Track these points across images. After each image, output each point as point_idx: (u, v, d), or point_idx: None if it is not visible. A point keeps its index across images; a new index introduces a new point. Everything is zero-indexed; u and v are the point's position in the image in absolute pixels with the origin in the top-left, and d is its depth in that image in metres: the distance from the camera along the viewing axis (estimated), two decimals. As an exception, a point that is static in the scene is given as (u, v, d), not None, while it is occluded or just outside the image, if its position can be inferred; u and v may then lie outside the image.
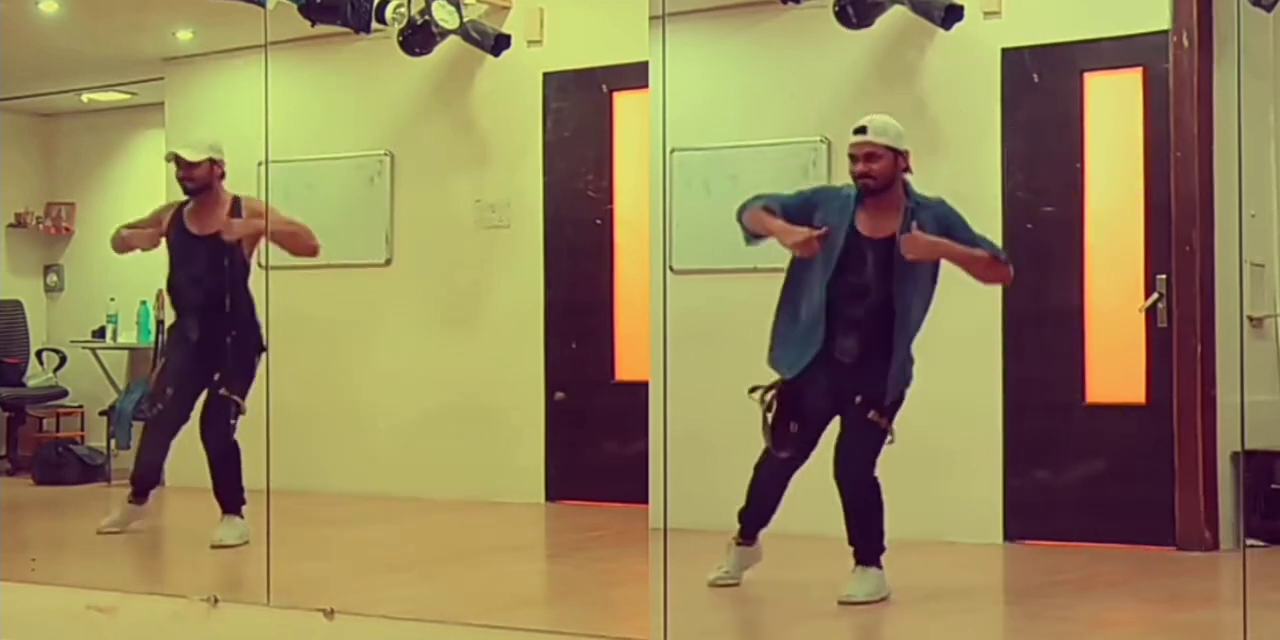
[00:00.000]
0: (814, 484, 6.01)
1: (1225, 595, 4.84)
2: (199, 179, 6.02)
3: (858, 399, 4.79)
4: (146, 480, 6.26)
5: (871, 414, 4.76)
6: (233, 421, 5.79)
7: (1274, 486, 5.53)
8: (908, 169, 4.88)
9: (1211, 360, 5.51)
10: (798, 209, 4.95)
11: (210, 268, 5.97)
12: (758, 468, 4.97)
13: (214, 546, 5.79)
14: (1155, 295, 5.63)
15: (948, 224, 4.81)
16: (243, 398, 5.75)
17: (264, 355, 5.75)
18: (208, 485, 5.89)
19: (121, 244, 6.34)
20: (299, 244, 5.93)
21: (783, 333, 4.93)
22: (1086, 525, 5.58)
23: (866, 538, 4.78)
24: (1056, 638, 4.53)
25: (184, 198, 6.07)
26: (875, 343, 4.79)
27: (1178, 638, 4.36)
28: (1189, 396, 5.55)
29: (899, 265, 4.75)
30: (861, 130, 4.88)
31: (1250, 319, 5.62)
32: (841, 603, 4.65)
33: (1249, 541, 5.32)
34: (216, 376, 5.84)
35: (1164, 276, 5.62)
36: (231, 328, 5.86)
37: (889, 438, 4.76)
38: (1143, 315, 5.65)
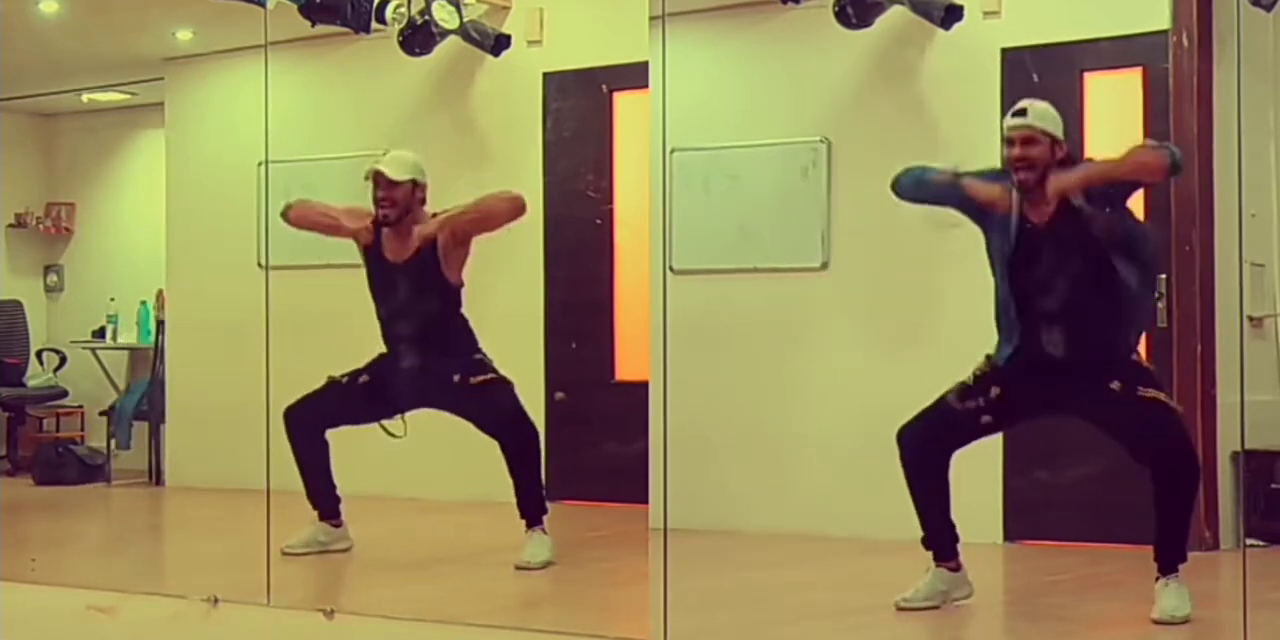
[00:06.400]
0: (816, 484, 6.02)
1: (1225, 595, 4.83)
2: (400, 202, 5.37)
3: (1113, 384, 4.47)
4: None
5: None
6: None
7: (1274, 486, 5.53)
8: (1066, 160, 4.56)
9: (1211, 360, 5.51)
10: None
11: (413, 296, 5.45)
12: None
13: (518, 567, 5.27)
14: (1155, 295, 5.63)
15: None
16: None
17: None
18: (208, 485, 5.84)
19: (299, 218, 5.61)
20: (498, 216, 5.38)
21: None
22: (1086, 525, 5.58)
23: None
24: (1056, 637, 4.53)
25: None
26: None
27: (1178, 638, 4.35)
28: (1189, 396, 5.54)
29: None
30: (1022, 113, 4.56)
31: (1250, 319, 5.62)
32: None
33: (1249, 541, 5.32)
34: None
35: (1164, 276, 5.61)
36: (453, 365, 5.35)
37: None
38: (1143, 315, 5.65)
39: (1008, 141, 4.59)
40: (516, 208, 5.42)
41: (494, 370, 5.39)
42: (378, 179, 5.38)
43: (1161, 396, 4.48)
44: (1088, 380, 4.49)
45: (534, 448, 5.42)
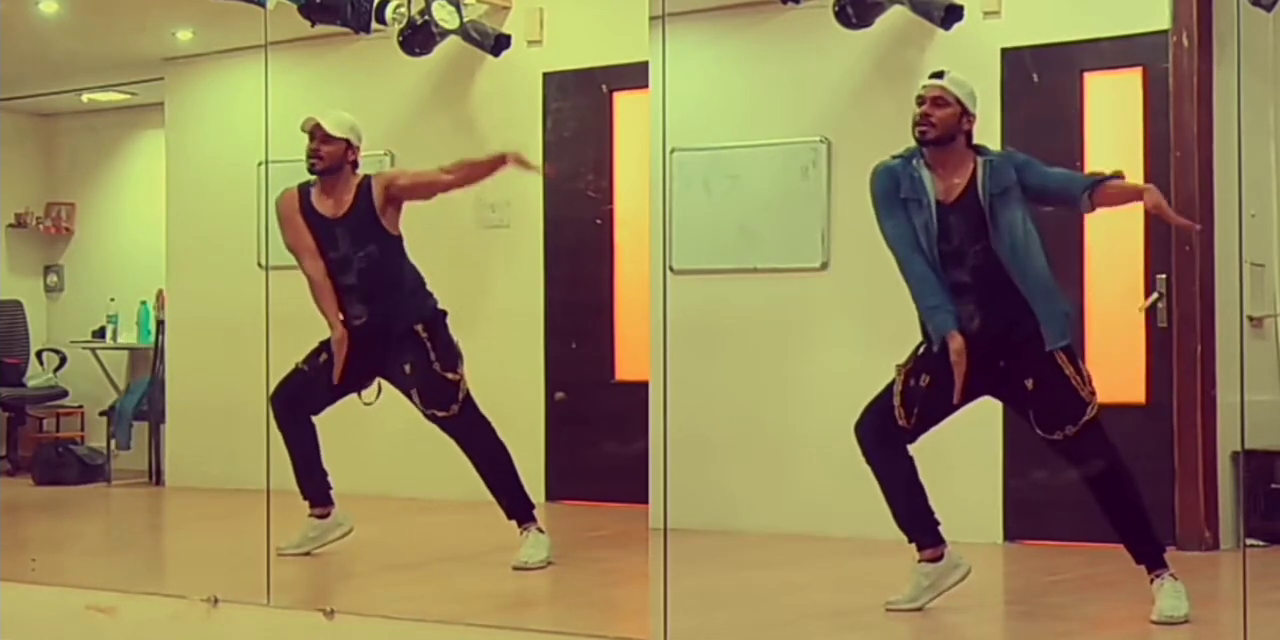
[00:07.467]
0: (816, 484, 6.02)
1: (1225, 595, 4.84)
2: (329, 158, 5.46)
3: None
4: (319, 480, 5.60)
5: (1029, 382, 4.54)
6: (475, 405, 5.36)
7: (1274, 486, 5.53)
8: (970, 134, 4.63)
9: (1211, 360, 5.51)
10: (892, 208, 4.70)
11: (353, 248, 5.46)
12: None
13: (516, 568, 5.26)
14: (1155, 295, 5.63)
15: (1023, 167, 4.59)
16: (457, 373, 5.37)
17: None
18: (208, 485, 5.83)
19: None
20: (435, 186, 5.48)
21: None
22: (1086, 525, 5.57)
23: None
24: (1056, 638, 4.53)
25: (296, 183, 5.56)
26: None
27: (1177, 638, 4.36)
28: (1189, 396, 5.55)
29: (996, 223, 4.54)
30: (939, 75, 4.64)
31: (1250, 319, 5.62)
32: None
33: (1249, 541, 5.32)
34: (407, 367, 5.35)
35: (1164, 276, 5.62)
36: (410, 311, 5.40)
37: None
38: (1143, 315, 5.65)
39: (919, 100, 4.63)
40: (472, 174, 5.50)
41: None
42: (314, 132, 5.47)
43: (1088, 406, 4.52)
44: (1007, 358, 4.55)
45: (498, 445, 5.40)
